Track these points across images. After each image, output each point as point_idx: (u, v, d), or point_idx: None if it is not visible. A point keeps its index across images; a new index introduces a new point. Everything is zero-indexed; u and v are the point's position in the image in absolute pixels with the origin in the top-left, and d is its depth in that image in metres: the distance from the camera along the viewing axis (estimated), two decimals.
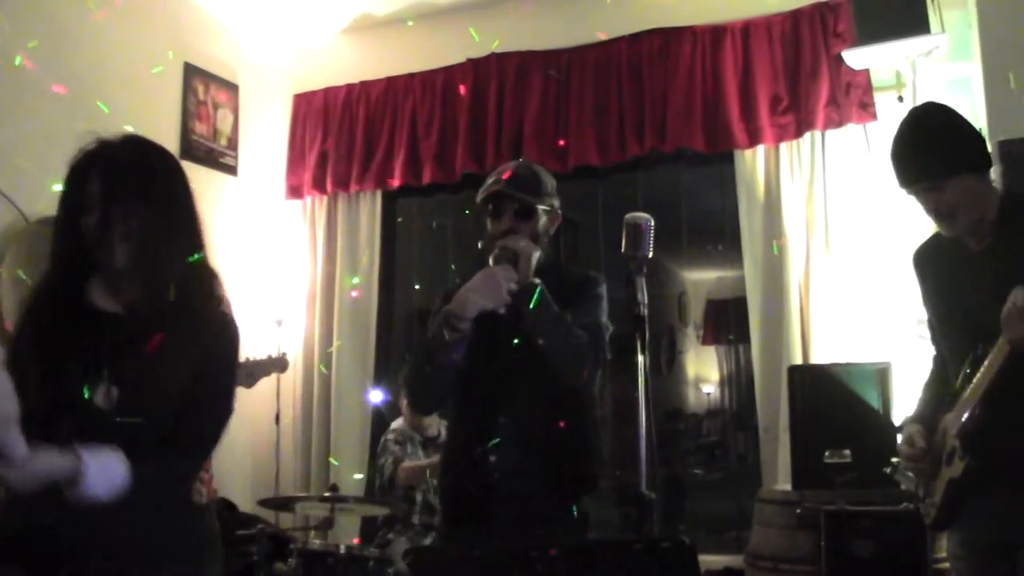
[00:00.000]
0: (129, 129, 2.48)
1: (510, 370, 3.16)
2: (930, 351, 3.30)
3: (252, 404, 6.42)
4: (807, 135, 5.68)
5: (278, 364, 4.03)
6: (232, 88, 6.70)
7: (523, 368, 3.14)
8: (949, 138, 2.97)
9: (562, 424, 3.13)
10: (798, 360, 5.48)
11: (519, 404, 3.14)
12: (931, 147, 2.96)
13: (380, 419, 6.48)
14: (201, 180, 6.17)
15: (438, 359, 3.18)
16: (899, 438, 3.22)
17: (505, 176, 3.33)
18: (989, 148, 3.24)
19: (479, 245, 3.32)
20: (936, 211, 2.96)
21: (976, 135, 3.00)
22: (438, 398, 3.40)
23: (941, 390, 3.08)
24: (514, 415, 3.14)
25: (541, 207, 3.32)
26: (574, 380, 3.13)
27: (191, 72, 6.37)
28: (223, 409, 2.53)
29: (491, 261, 3.20)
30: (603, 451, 3.36)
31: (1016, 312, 2.56)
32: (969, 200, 2.91)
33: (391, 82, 6.81)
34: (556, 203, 3.39)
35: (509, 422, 3.14)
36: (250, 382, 3.96)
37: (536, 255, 3.22)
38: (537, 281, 3.14)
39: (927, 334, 3.30)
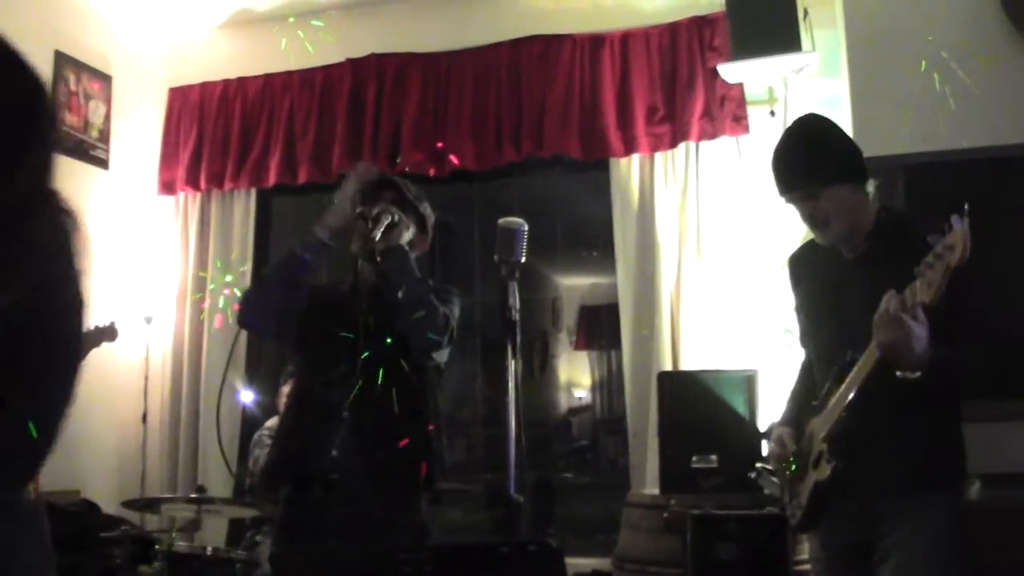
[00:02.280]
0: None
1: (361, 355, 3.14)
2: (797, 358, 3.37)
3: (119, 403, 6.27)
4: (682, 145, 5.75)
5: (107, 333, 3.88)
6: (105, 79, 6.52)
7: (374, 356, 3.12)
8: (826, 149, 3.05)
9: (408, 426, 3.14)
10: (668, 366, 5.54)
11: (367, 393, 3.12)
12: (809, 157, 3.04)
13: (251, 420, 6.37)
14: (70, 173, 5.97)
15: (286, 274, 3.24)
16: (764, 444, 3.28)
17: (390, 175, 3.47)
18: None
19: (354, 209, 3.34)
20: (811, 218, 3.04)
21: (853, 148, 3.09)
22: (269, 318, 3.33)
23: (809, 394, 3.14)
24: (360, 406, 3.11)
25: (417, 211, 3.37)
26: (425, 342, 3.15)
27: (62, 61, 6.17)
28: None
29: (368, 219, 3.25)
30: (444, 454, 3.36)
31: (886, 317, 2.63)
32: (843, 209, 2.99)
33: (269, 79, 6.71)
34: (430, 226, 3.45)
35: (354, 413, 3.12)
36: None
37: (411, 230, 3.28)
38: (404, 246, 3.26)
39: (793, 342, 3.37)
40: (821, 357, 3.13)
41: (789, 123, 3.23)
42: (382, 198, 3.33)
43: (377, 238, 3.19)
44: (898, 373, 2.67)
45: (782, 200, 3.11)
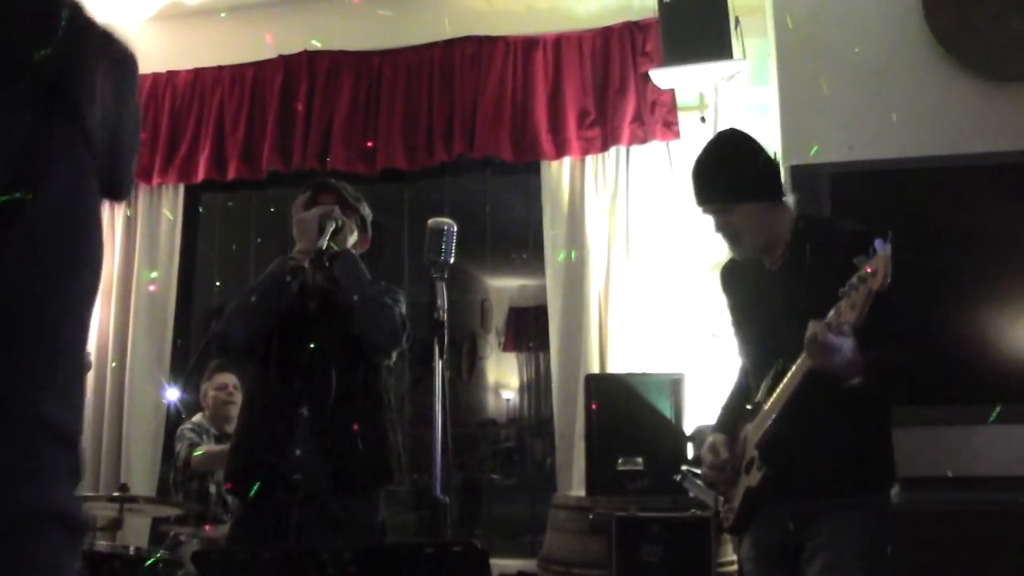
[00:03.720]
0: None
1: (314, 356, 3.17)
2: (724, 362, 3.42)
3: None
4: (612, 149, 5.79)
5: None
6: None
7: (327, 354, 3.15)
8: (742, 166, 3.09)
9: (363, 419, 3.15)
10: (595, 369, 5.56)
11: (322, 393, 3.13)
12: (724, 172, 3.09)
13: (176, 418, 6.30)
14: None
15: (272, 299, 3.24)
16: (690, 447, 3.32)
17: (330, 179, 3.53)
18: (783, 173, 3.38)
19: (296, 219, 3.36)
20: (724, 232, 3.11)
21: (769, 165, 3.13)
22: (252, 338, 3.33)
23: (745, 399, 3.19)
24: (313, 407, 3.14)
25: (357, 213, 3.42)
26: (383, 342, 3.19)
27: None
28: None
29: (315, 222, 3.30)
30: (401, 447, 3.37)
31: (814, 344, 2.69)
32: (754, 225, 3.04)
33: (199, 74, 6.64)
34: (368, 226, 3.50)
35: (311, 411, 3.13)
36: None
37: (355, 233, 3.35)
38: (351, 249, 3.31)
39: (719, 345, 3.42)
40: (753, 364, 3.19)
41: (719, 129, 3.27)
42: (323, 202, 3.37)
43: (324, 246, 3.22)
44: (841, 385, 2.74)
45: (699, 210, 3.16)
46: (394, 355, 3.34)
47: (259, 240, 6.88)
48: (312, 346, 3.18)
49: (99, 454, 6.42)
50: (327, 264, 3.28)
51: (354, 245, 3.40)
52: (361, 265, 3.28)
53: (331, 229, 3.25)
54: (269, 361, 3.29)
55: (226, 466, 3.48)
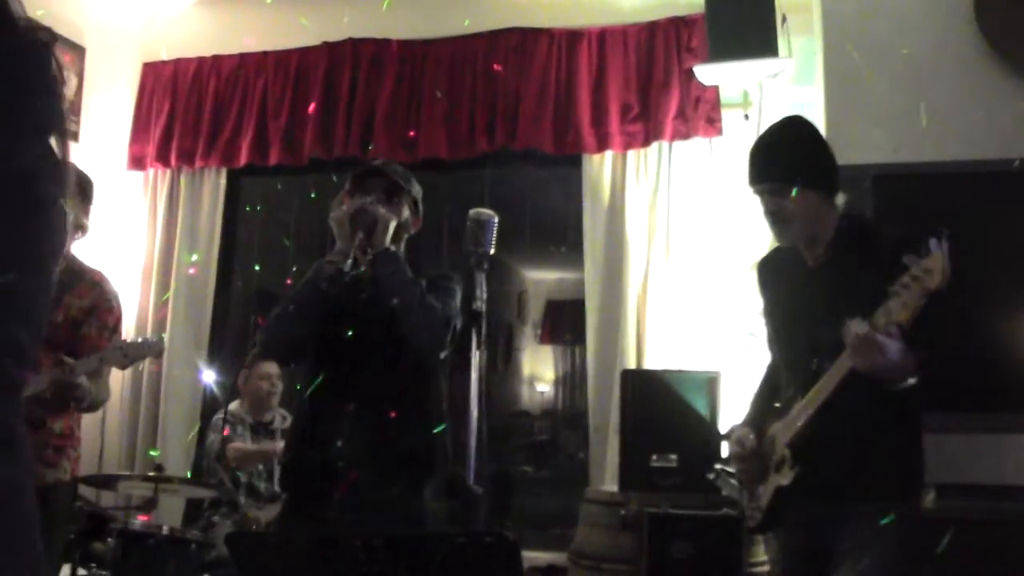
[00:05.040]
0: None
1: (362, 348, 3.15)
2: (762, 360, 3.39)
3: None
4: (654, 144, 5.77)
5: (153, 349, 3.87)
6: (78, 50, 6.45)
7: (375, 347, 3.13)
8: (806, 151, 3.06)
9: (410, 413, 3.14)
10: (632, 364, 5.55)
11: (368, 386, 3.12)
12: (790, 153, 3.05)
13: (212, 401, 6.35)
14: None
15: (311, 306, 3.19)
16: (724, 446, 3.30)
17: (377, 162, 3.43)
18: None
19: (331, 217, 3.29)
20: (774, 214, 3.04)
21: (831, 158, 3.10)
22: (292, 346, 3.32)
23: (772, 397, 3.17)
24: (361, 401, 3.13)
25: (408, 195, 3.36)
26: (427, 344, 3.15)
27: None
28: None
29: (347, 222, 3.19)
30: (447, 441, 3.35)
31: (861, 343, 2.65)
32: (806, 213, 3.00)
33: (244, 59, 6.67)
34: (420, 205, 3.43)
35: (357, 404, 3.13)
36: (125, 363, 3.81)
37: (393, 225, 3.23)
38: (392, 247, 3.19)
39: (757, 344, 3.39)
40: (786, 363, 3.15)
41: (762, 127, 3.24)
42: (372, 187, 3.31)
43: (365, 249, 3.14)
44: (885, 387, 2.70)
45: (750, 190, 3.12)
46: (442, 353, 3.29)
47: (299, 223, 6.91)
48: (355, 341, 3.15)
49: (135, 434, 6.48)
50: (367, 265, 3.21)
51: (404, 224, 3.35)
52: (400, 264, 3.20)
53: (361, 234, 3.18)
54: (317, 357, 3.27)
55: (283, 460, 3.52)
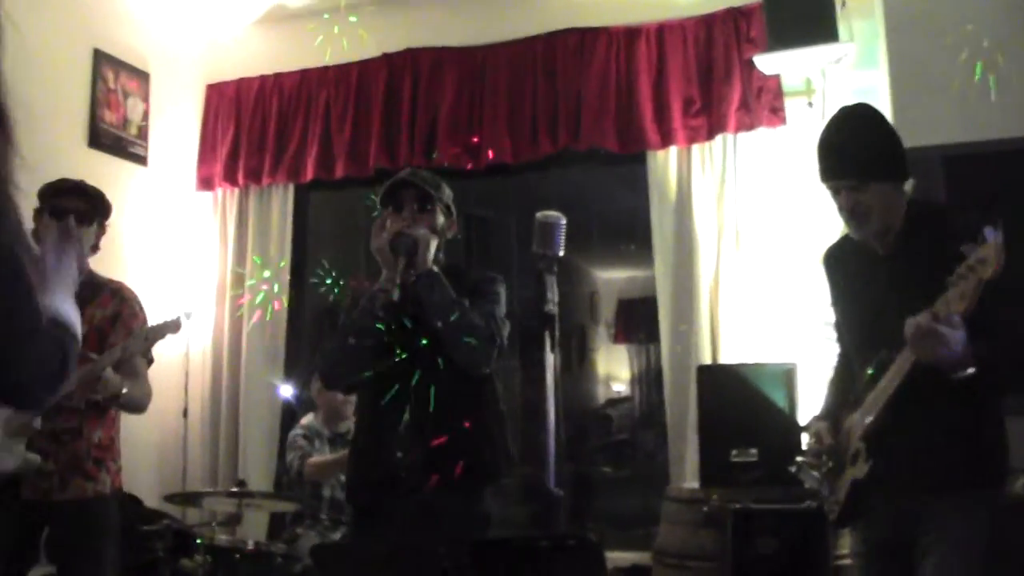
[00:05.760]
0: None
1: (413, 364, 3.19)
2: (835, 351, 3.36)
3: (160, 398, 6.31)
4: (719, 137, 5.74)
5: (171, 326, 3.94)
6: (143, 76, 6.57)
7: (425, 361, 3.17)
8: (880, 142, 3.02)
9: (464, 420, 3.17)
10: (707, 360, 5.53)
11: (422, 398, 3.16)
12: (861, 148, 2.99)
13: (290, 415, 6.43)
14: (110, 170, 6.07)
15: (368, 335, 3.23)
16: (804, 437, 3.28)
17: (404, 173, 3.47)
18: None
19: (373, 248, 3.34)
20: (851, 211, 3.00)
21: (900, 147, 3.05)
22: (352, 375, 3.38)
23: (846, 389, 3.14)
24: (417, 410, 3.17)
25: (440, 201, 3.40)
26: (472, 364, 3.20)
27: (100, 59, 6.22)
28: None
29: (388, 250, 3.24)
30: (508, 444, 3.38)
31: (919, 332, 2.63)
32: (884, 206, 2.96)
33: (305, 75, 6.75)
34: (453, 208, 3.48)
35: (413, 416, 3.17)
36: (147, 346, 3.90)
37: (434, 244, 3.29)
38: (434, 268, 3.24)
39: (832, 335, 3.36)
40: (856, 353, 3.13)
41: (827, 114, 3.21)
42: (403, 199, 3.36)
43: (396, 290, 3.17)
44: (950, 376, 2.68)
45: (822, 186, 3.09)
46: (487, 368, 3.32)
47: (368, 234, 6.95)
48: (404, 357, 3.20)
49: (217, 450, 6.58)
50: (411, 290, 3.24)
51: (441, 230, 3.39)
52: (440, 285, 3.24)
53: (403, 262, 3.22)
54: (373, 375, 3.32)
55: (347, 480, 3.57)
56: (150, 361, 4.09)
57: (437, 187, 3.43)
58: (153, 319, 4.04)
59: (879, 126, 3.08)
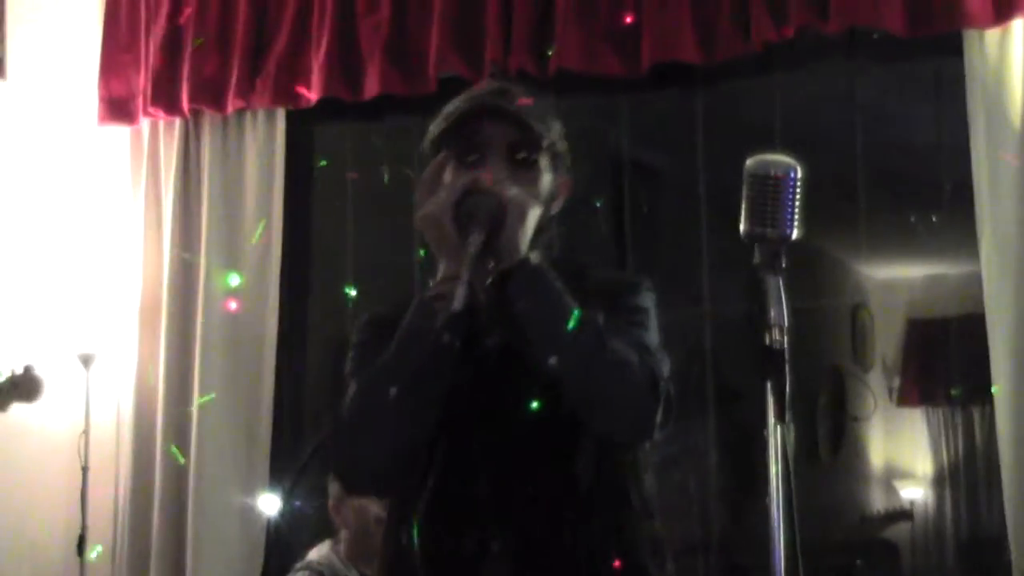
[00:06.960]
0: None
1: (502, 433, 3.19)
2: None
3: (34, 520, 6.38)
4: None
5: (18, 389, 4.03)
6: None
7: (524, 430, 3.18)
8: None
9: (603, 549, 3.22)
10: None
11: (516, 510, 3.20)
12: None
13: (281, 548, 6.48)
14: None
15: (423, 385, 3.12)
16: None
17: (482, 88, 3.45)
18: None
19: (418, 216, 3.25)
20: None
21: None
22: (399, 464, 3.24)
23: None
24: (509, 519, 3.20)
25: (549, 147, 3.35)
26: (620, 433, 3.18)
27: None
28: None
29: (449, 222, 3.14)
30: (661, 543, 3.40)
31: None
32: None
33: None
34: (567, 162, 3.42)
35: (502, 530, 3.20)
36: None
37: (534, 215, 3.13)
38: (532, 256, 3.13)
39: None
40: None
41: None
42: (483, 139, 3.27)
43: (484, 268, 3.10)
44: None
45: None
46: (651, 440, 3.26)
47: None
48: (489, 431, 3.18)
49: None
50: (496, 291, 3.13)
51: (547, 199, 3.32)
52: (550, 288, 3.09)
53: (477, 235, 3.10)
54: (437, 453, 3.30)
55: None
56: None
57: (543, 119, 3.34)
58: None
59: None
